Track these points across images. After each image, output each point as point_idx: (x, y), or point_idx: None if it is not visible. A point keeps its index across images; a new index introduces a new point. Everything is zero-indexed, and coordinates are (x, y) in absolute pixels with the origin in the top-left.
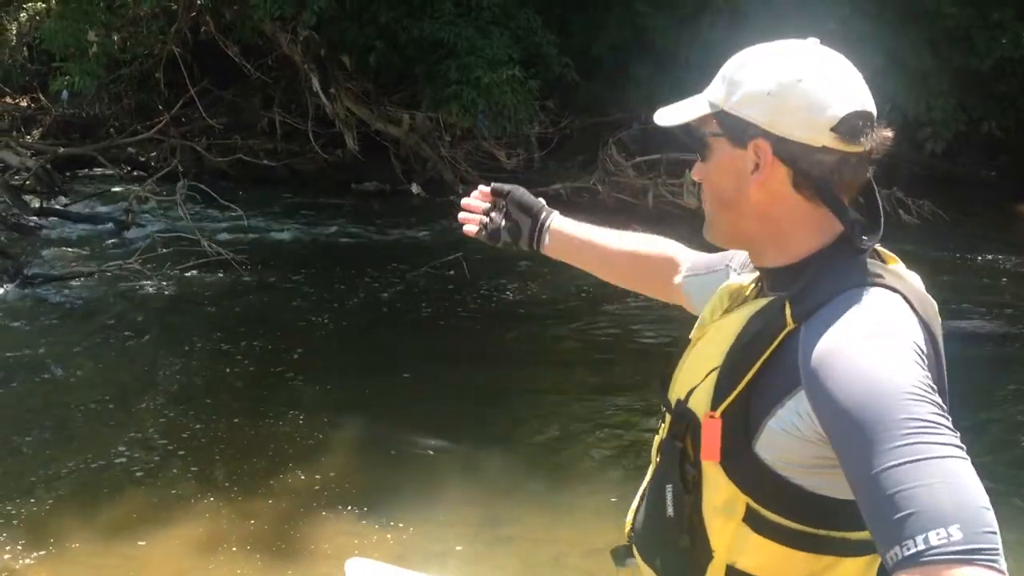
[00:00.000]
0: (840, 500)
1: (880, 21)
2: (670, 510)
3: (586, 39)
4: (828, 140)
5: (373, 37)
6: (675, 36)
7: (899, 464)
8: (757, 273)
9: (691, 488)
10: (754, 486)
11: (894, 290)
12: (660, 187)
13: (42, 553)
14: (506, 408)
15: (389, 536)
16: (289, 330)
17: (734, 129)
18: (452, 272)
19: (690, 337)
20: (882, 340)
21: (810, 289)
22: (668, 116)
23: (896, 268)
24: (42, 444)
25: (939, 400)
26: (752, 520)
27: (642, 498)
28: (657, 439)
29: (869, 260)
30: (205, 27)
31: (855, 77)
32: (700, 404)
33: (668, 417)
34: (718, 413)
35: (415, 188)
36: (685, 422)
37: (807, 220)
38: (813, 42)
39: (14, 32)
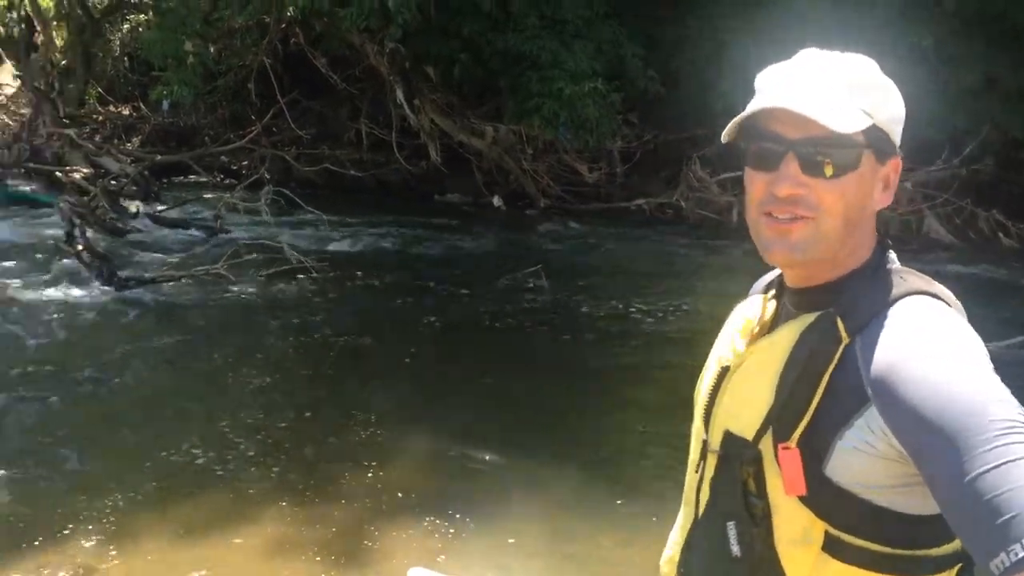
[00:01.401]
0: (921, 516)
1: (976, 40)
2: (735, 549)
3: (671, 52)
4: None
5: (458, 50)
6: (759, 51)
7: (992, 468)
8: (766, 293)
9: (760, 522)
10: (831, 511)
11: (937, 296)
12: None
13: (119, 548)
14: (580, 422)
15: (453, 546)
16: (365, 337)
17: (883, 145)
18: (531, 284)
19: (726, 364)
20: (951, 346)
21: (859, 301)
22: (824, 114)
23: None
24: (125, 442)
25: (1016, 400)
26: (832, 547)
27: (689, 542)
28: (692, 477)
29: (903, 269)
30: (295, 39)
31: None
32: (760, 434)
33: (712, 452)
34: (793, 443)
35: (497, 201)
36: (743, 454)
37: (872, 235)
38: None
39: (117, 43)
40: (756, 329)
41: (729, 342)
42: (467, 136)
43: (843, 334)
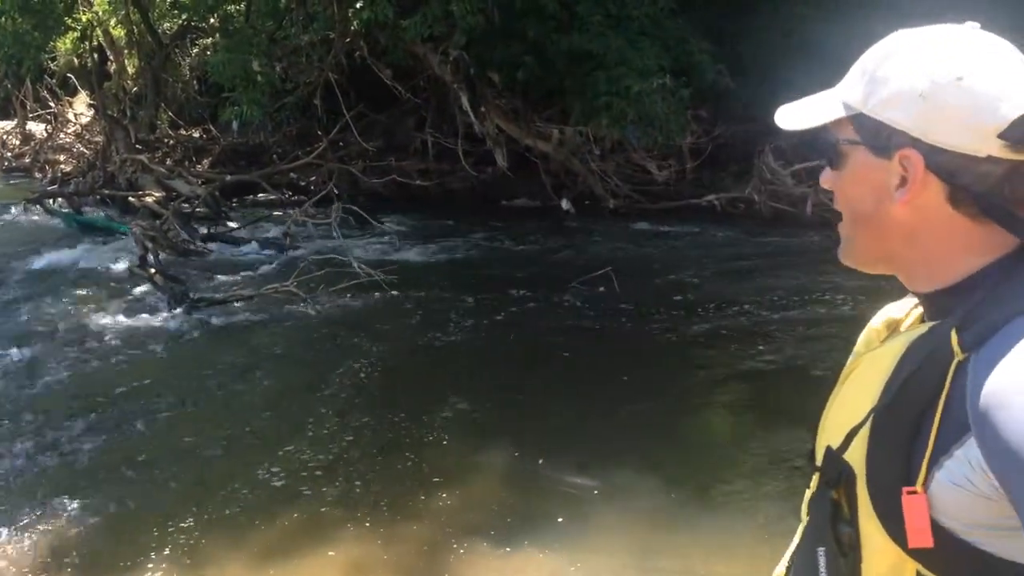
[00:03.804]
0: None
1: None
2: None
3: (738, 44)
4: (995, 149)
5: (521, 53)
6: (831, 36)
7: None
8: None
9: (847, 551)
10: (924, 549)
11: None
12: (820, 194)
13: (196, 570)
14: (662, 431)
15: (536, 565)
16: (438, 350)
17: (876, 136)
18: (602, 288)
19: (845, 371)
20: None
21: (980, 314)
22: (792, 118)
23: None
24: (201, 464)
25: None
26: None
27: (791, 563)
28: (808, 494)
29: None
30: (359, 53)
31: None
32: (856, 454)
33: (816, 469)
34: (921, 486)
35: (565, 204)
36: (837, 473)
37: (965, 239)
38: (972, 27)
39: (186, 67)
40: (885, 335)
41: (856, 348)
42: (533, 140)
43: (956, 349)
